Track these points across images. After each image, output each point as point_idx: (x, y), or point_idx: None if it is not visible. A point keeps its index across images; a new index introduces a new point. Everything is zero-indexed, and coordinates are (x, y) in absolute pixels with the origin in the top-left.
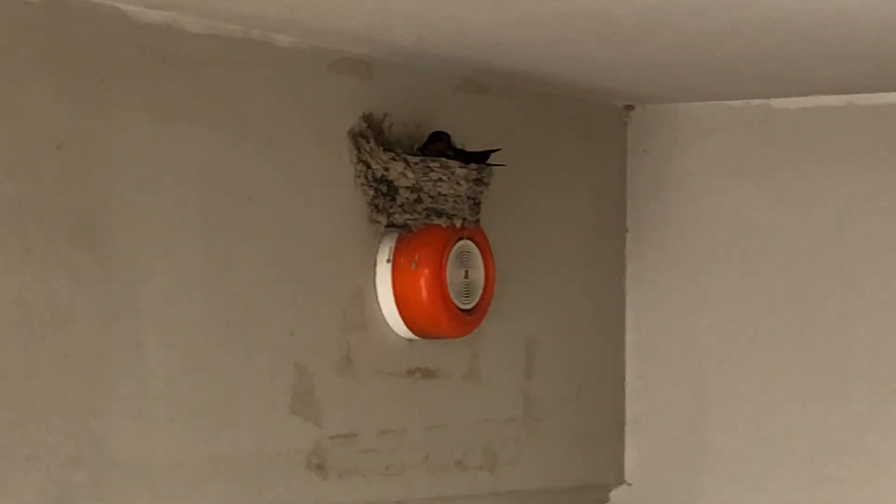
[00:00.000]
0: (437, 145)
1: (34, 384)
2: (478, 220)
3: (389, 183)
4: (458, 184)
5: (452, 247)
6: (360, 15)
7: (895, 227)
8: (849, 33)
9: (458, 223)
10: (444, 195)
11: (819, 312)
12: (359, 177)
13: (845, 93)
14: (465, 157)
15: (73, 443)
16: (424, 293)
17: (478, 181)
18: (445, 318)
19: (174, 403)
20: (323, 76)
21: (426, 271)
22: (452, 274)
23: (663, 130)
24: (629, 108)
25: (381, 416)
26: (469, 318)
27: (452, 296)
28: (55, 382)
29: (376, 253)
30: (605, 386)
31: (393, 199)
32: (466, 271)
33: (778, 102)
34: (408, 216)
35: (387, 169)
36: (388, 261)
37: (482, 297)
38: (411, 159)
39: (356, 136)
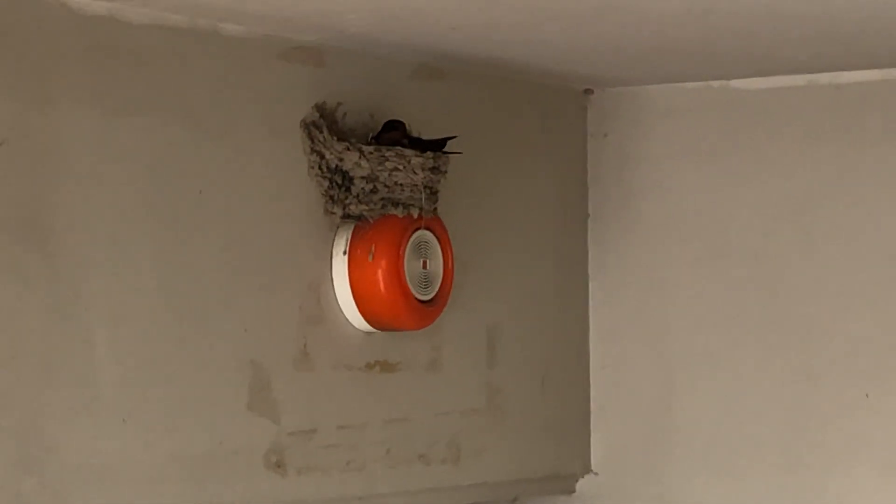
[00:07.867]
0: (392, 134)
1: None
2: (435, 210)
3: (344, 173)
4: (414, 173)
5: (410, 237)
6: (310, 1)
7: (858, 206)
8: (808, 12)
9: (415, 213)
10: (401, 185)
11: (785, 295)
12: (312, 167)
13: (806, 72)
14: (422, 146)
15: (23, 446)
16: (382, 285)
17: (434, 170)
18: (404, 310)
19: (127, 403)
20: (273, 65)
21: (383, 263)
22: (410, 265)
23: (623, 114)
24: (588, 91)
25: (340, 411)
26: (428, 309)
27: (411, 287)
28: (2, 384)
29: (332, 245)
30: (569, 374)
31: (348, 189)
32: (425, 261)
33: (738, 83)
34: (363, 207)
35: (341, 159)
36: (344, 253)
37: (441, 288)
38: (366, 149)
39: (309, 126)
